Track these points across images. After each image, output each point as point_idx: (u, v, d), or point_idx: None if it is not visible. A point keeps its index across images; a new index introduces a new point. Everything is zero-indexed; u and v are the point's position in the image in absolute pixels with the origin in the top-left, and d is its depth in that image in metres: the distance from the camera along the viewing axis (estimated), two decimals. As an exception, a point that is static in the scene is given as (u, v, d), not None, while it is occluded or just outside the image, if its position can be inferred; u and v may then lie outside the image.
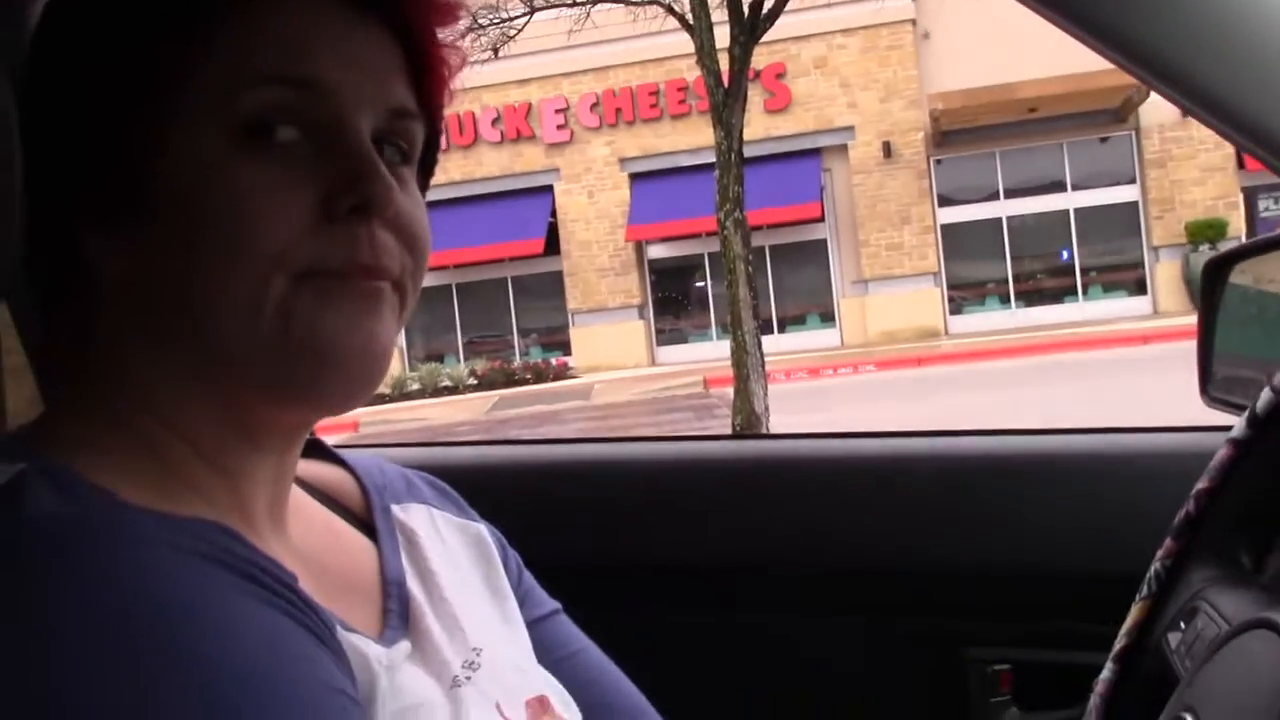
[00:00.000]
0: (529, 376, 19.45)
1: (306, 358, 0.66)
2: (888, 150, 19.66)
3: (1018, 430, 1.31)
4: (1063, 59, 17.48)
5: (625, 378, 18.07)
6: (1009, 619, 1.26)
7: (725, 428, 10.19)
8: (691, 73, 18.44)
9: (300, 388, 0.68)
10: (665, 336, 21.23)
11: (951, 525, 1.27)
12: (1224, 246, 15.13)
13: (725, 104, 8.75)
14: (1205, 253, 18.21)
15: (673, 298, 21.44)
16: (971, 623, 1.28)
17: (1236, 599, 0.69)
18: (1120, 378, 11.63)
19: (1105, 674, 0.78)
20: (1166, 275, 19.06)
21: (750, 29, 8.97)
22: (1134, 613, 0.78)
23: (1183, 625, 0.72)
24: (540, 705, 0.77)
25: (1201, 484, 0.75)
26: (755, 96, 9.43)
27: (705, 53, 9.02)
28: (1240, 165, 18.41)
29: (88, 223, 0.67)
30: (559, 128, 20.59)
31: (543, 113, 20.64)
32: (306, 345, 0.66)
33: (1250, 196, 18.98)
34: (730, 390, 9.56)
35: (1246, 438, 0.71)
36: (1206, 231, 18.49)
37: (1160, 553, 0.77)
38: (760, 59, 9.46)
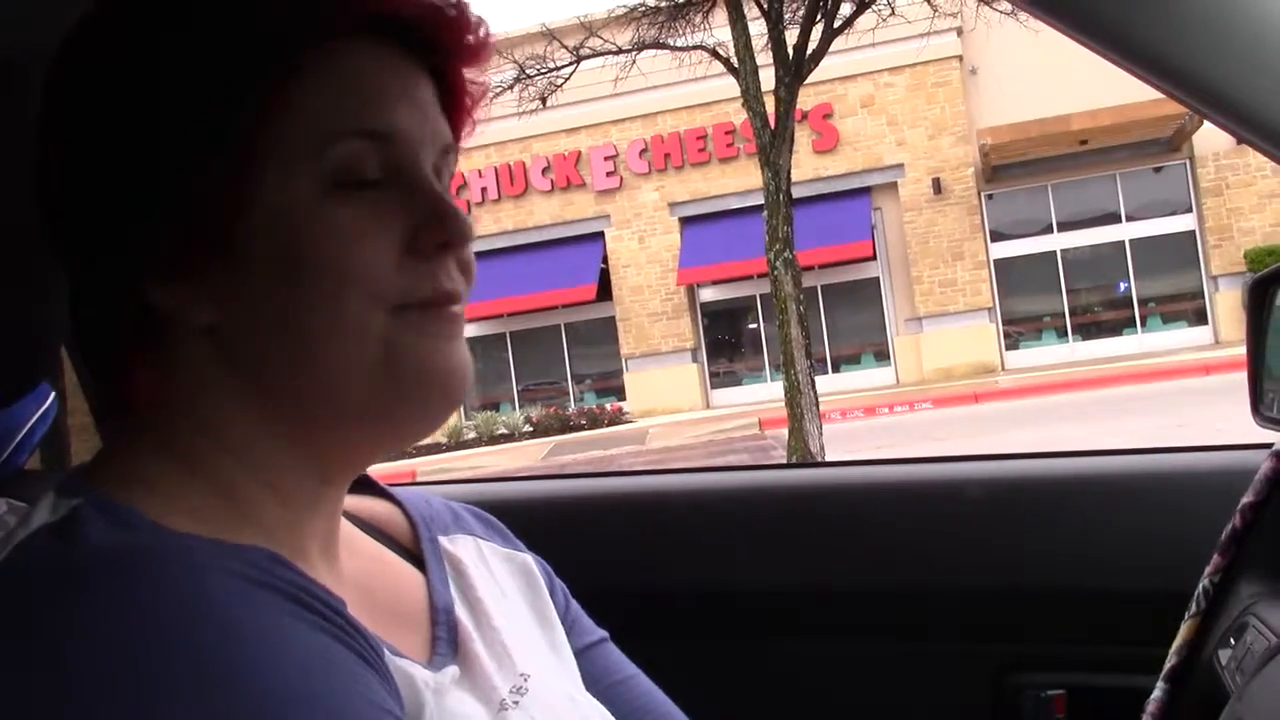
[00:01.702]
0: (584, 422, 19.49)
1: (411, 382, 0.71)
2: (938, 187, 19.60)
3: (1062, 453, 1.30)
4: (1112, 90, 17.39)
5: (680, 421, 18.06)
6: (1059, 641, 1.25)
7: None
8: (738, 116, 18.54)
9: (401, 413, 0.72)
10: (719, 379, 21.21)
11: (998, 548, 1.27)
12: (1285, 273, 14.73)
13: (772, 145, 8.78)
14: (1266, 280, 17.91)
15: (725, 340, 21.44)
16: (1020, 646, 1.26)
17: (1286, 612, 0.68)
18: (1183, 409, 11.44)
19: (1156, 694, 0.77)
20: (1227, 304, 18.76)
21: (795, 70, 9.02)
22: (1183, 631, 0.77)
23: (1233, 641, 0.71)
24: (589, 732, 0.77)
25: (1247, 498, 0.74)
26: (803, 137, 9.47)
27: (751, 95, 9.07)
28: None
29: (160, 272, 0.69)
30: (608, 174, 20.75)
31: (592, 160, 20.82)
32: (412, 371, 0.71)
33: (1313, 222, 18.68)
34: (785, 431, 9.52)
35: (1291, 450, 0.71)
36: (1267, 259, 18.19)
37: (1208, 569, 0.76)
38: (807, 100, 9.52)
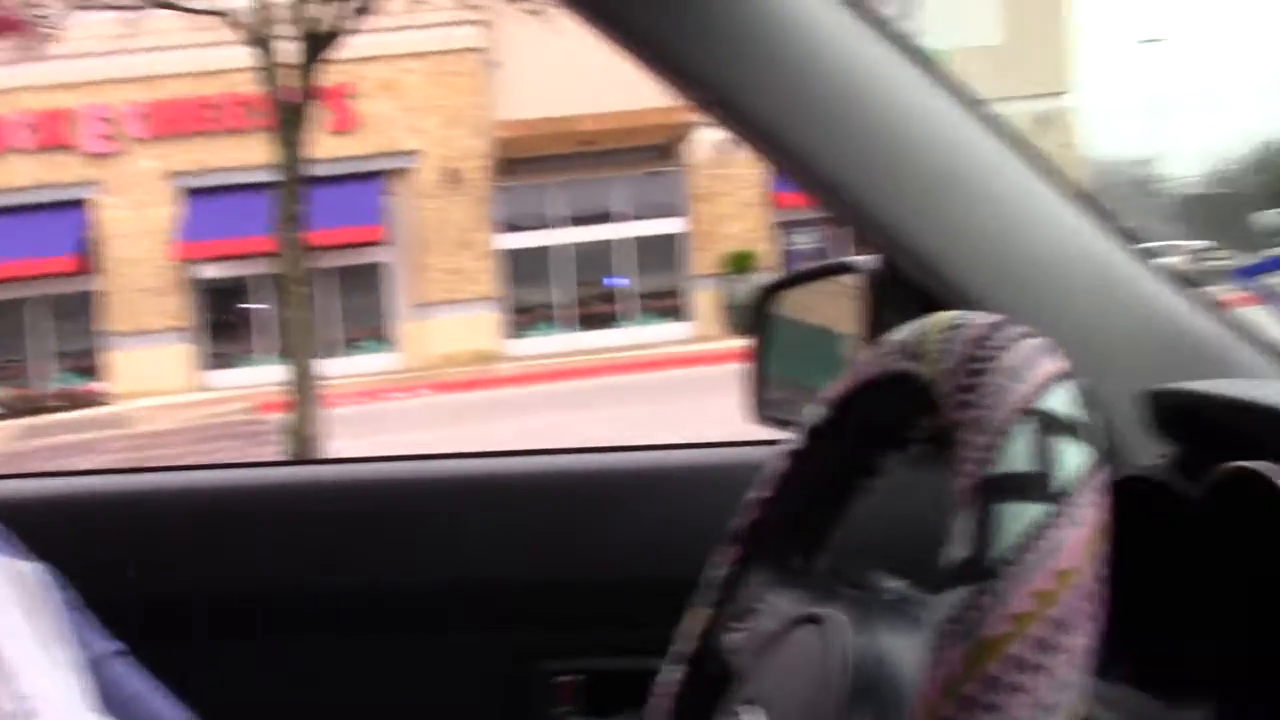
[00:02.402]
0: (61, 404, 17.88)
1: None
2: (451, 176, 19.86)
3: (574, 449, 1.36)
4: (619, 96, 18.45)
5: (171, 404, 17.03)
6: (573, 629, 1.30)
7: (277, 455, 9.84)
8: (251, 88, 17.79)
9: None
10: (217, 360, 20.25)
11: (514, 540, 1.29)
12: (756, 276, 16.38)
13: (289, 122, 8.49)
14: (741, 281, 19.78)
15: (225, 320, 20.50)
16: (535, 635, 1.30)
17: (790, 597, 0.74)
18: (667, 398, 12.34)
19: (670, 676, 0.82)
20: (707, 303, 20.49)
21: (317, 48, 8.76)
22: (696, 616, 0.82)
23: (742, 625, 0.77)
24: (98, 754, 0.71)
25: (759, 492, 0.80)
26: (320, 116, 9.22)
27: (269, 69, 8.71)
28: (772, 203, 20.16)
29: None
30: (103, 137, 19.15)
31: (84, 121, 19.13)
32: None
33: (780, 231, 20.80)
34: (285, 416, 9.24)
35: (800, 448, 0.77)
36: (741, 262, 20.09)
37: (721, 558, 0.82)
38: (326, 78, 9.27)
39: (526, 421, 11.49)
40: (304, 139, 8.57)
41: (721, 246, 20.40)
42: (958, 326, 0.57)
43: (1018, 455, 0.48)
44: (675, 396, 12.46)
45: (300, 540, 1.32)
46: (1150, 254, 1.06)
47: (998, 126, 1.06)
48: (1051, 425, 0.49)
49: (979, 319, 0.56)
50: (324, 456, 7.24)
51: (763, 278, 20.05)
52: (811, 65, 1.03)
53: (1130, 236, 1.07)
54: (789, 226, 20.83)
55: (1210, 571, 0.76)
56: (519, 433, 10.36)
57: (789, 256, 20.73)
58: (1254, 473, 0.70)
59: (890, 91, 1.05)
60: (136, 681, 0.86)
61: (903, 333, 0.63)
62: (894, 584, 0.79)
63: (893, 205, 1.04)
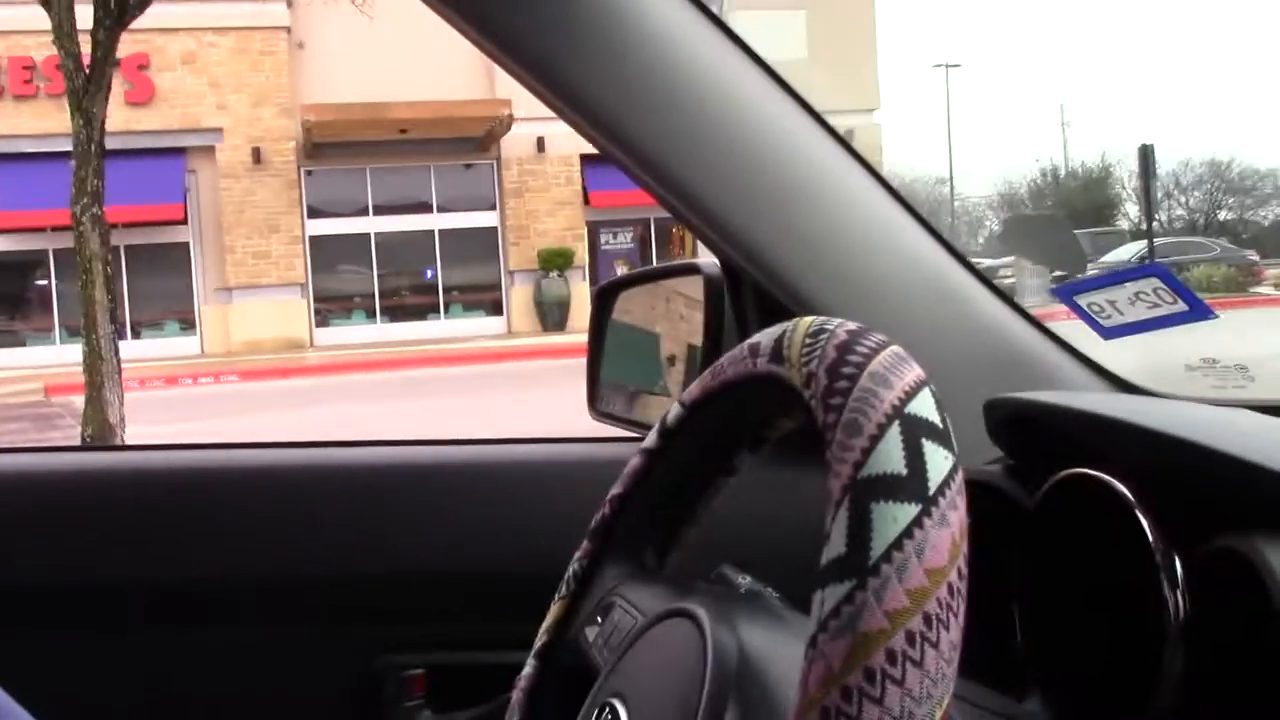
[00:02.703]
0: None
1: None
2: (257, 156, 19.25)
3: (428, 440, 1.34)
4: (433, 85, 18.24)
5: (-52, 383, 16.03)
6: (425, 623, 1.29)
7: (72, 439, 9.38)
8: (39, 51, 16.85)
9: None
10: (4, 338, 19.14)
11: (365, 533, 1.27)
12: (570, 274, 16.33)
13: (86, 91, 8.07)
14: (555, 278, 19.81)
15: (11, 296, 19.39)
16: (386, 629, 1.29)
17: (647, 593, 0.76)
18: (479, 392, 12.27)
19: (527, 669, 0.83)
20: (520, 298, 20.44)
21: (119, 13, 8.35)
22: (553, 611, 0.83)
23: (599, 620, 0.78)
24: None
25: (616, 490, 0.82)
26: (116, 87, 8.79)
27: (64, 33, 8.26)
28: (586, 201, 20.25)
29: None
30: None
31: None
32: None
33: (593, 230, 20.92)
34: (75, 399, 8.81)
35: (656, 447, 0.79)
36: (556, 260, 20.11)
37: (578, 554, 0.83)
38: (123, 47, 8.84)
39: (336, 410, 11.25)
40: (100, 109, 8.16)
41: (535, 243, 20.37)
42: (822, 332, 0.59)
43: (889, 457, 0.51)
44: (486, 391, 12.40)
45: (136, 529, 1.27)
46: (977, 269, 1.13)
47: (840, 139, 1.11)
48: (918, 428, 0.52)
49: (842, 325, 0.59)
50: (131, 443, 6.92)
51: (574, 276, 19.99)
52: (661, 66, 1.05)
53: (958, 252, 1.13)
54: (602, 227, 20.97)
55: (1043, 572, 0.81)
56: (329, 422, 10.13)
57: (601, 256, 20.87)
58: (1090, 479, 0.75)
59: (738, 99, 1.08)
60: None
61: (765, 336, 0.65)
62: (744, 579, 0.82)
63: (738, 210, 1.07)
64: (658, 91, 1.04)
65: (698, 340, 1.31)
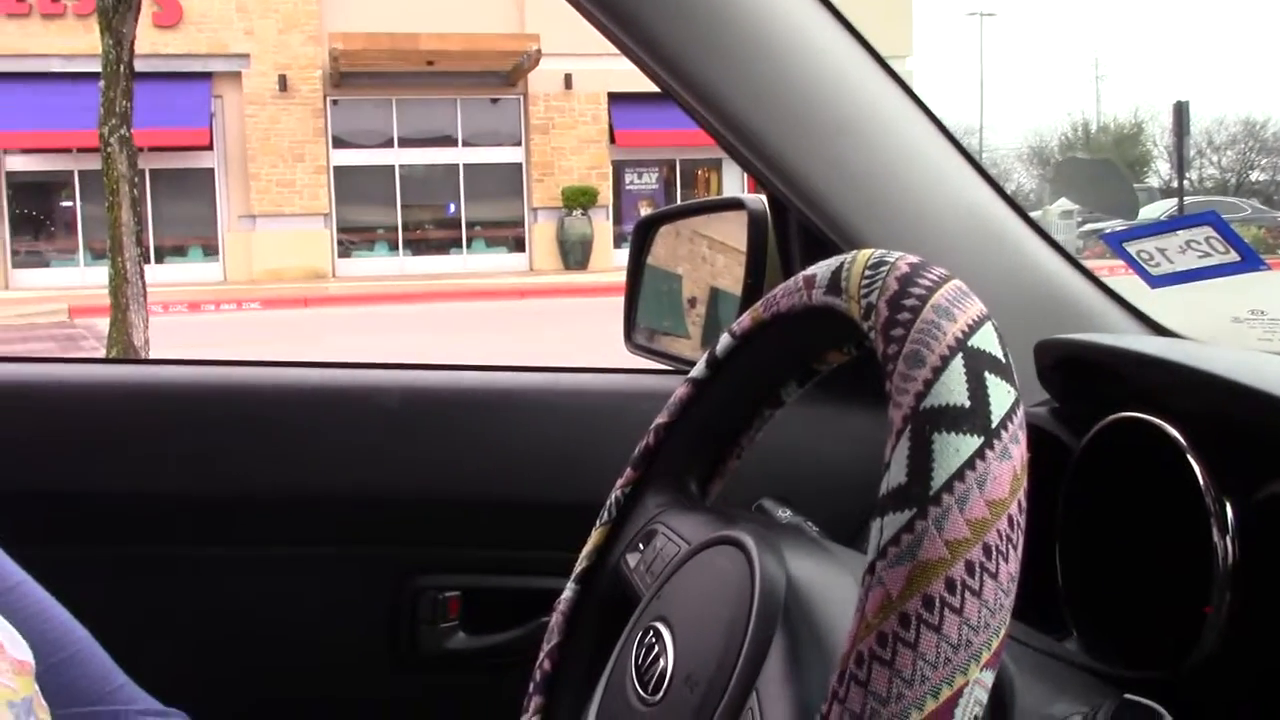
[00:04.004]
0: None
1: None
2: (284, 84, 19.17)
3: (482, 366, 1.35)
4: (462, 17, 18.11)
5: (-26, 301, 16.14)
6: (461, 547, 1.30)
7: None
8: (69, -31, 16.80)
9: None
10: (23, 258, 19.21)
11: (411, 455, 1.28)
12: (594, 213, 16.22)
13: (116, 10, 8.03)
14: (578, 217, 19.74)
15: (34, 216, 19.44)
16: (422, 551, 1.30)
17: (690, 522, 0.76)
18: (500, 328, 12.28)
19: (567, 593, 0.83)
20: (543, 236, 20.39)
21: (147, -68, 8.30)
22: (594, 536, 0.83)
23: (641, 546, 0.79)
24: (-12, 645, 0.68)
25: (661, 419, 0.82)
26: (144, 8, 8.72)
27: (94, -50, 8.23)
28: (612, 140, 20.13)
29: None
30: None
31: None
32: None
33: (618, 170, 20.81)
34: (99, 321, 8.84)
35: (704, 377, 0.79)
36: (580, 198, 20.03)
37: (620, 481, 0.83)
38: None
39: (356, 340, 11.29)
40: (129, 29, 8.12)
41: (560, 180, 20.28)
42: (883, 265, 0.58)
43: (952, 389, 0.50)
44: (510, 326, 12.41)
45: (177, 444, 1.28)
46: (1026, 214, 1.11)
47: (896, 77, 1.09)
48: (982, 361, 0.51)
49: (903, 258, 0.58)
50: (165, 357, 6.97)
51: (597, 215, 19.85)
52: (722, 4, 1.04)
53: (1009, 196, 1.12)
54: (627, 166, 20.87)
55: (1088, 515, 0.81)
56: (349, 352, 10.17)
57: (625, 195, 20.78)
58: (1139, 422, 0.74)
59: (792, 32, 1.06)
60: (14, 573, 0.84)
61: (821, 268, 0.65)
62: (785, 512, 0.82)
63: (788, 144, 1.06)
64: (713, 25, 1.03)
65: (720, 282, 1.30)
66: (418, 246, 20.80)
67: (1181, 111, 15.77)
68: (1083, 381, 0.88)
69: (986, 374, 0.51)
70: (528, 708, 0.82)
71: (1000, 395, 0.51)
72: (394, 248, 20.67)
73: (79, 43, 16.60)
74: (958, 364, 0.51)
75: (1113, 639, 0.78)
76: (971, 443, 0.49)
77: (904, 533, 0.48)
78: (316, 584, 1.30)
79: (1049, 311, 1.05)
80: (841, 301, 0.61)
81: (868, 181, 1.06)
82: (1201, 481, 0.70)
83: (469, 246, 20.88)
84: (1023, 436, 0.50)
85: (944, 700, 0.46)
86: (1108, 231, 1.03)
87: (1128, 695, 0.56)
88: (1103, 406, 0.79)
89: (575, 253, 19.97)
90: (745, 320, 0.75)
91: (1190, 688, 0.68)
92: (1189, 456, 0.71)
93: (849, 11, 1.09)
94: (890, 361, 0.54)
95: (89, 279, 15.90)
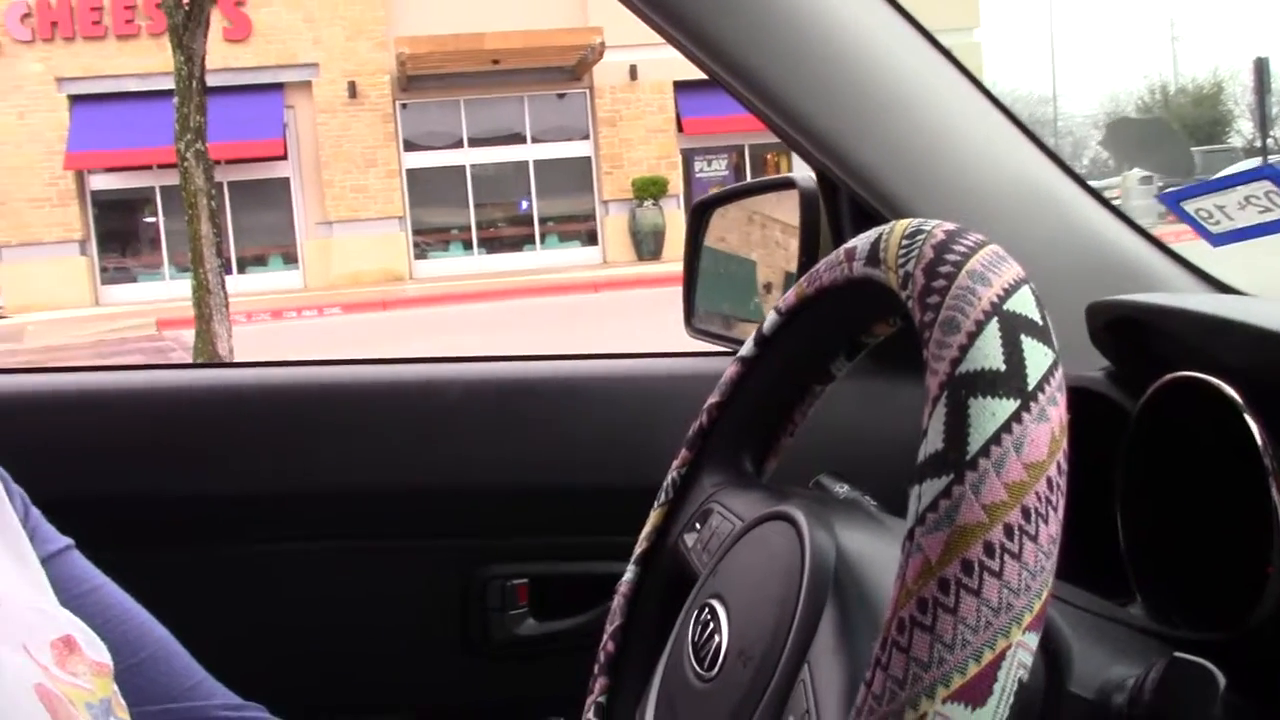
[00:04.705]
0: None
1: None
2: (353, 91, 19.42)
3: (539, 356, 1.36)
4: (526, 14, 18.20)
5: (65, 319, 16.56)
6: (526, 534, 1.32)
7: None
8: (141, -10, 17.18)
9: None
10: (111, 275, 19.71)
11: (475, 446, 1.30)
12: (664, 202, 16.16)
13: (186, 27, 8.21)
14: (649, 207, 19.75)
15: (120, 233, 19.92)
16: (488, 540, 1.32)
17: (744, 499, 0.77)
18: (577, 322, 12.34)
19: (627, 575, 0.84)
20: (615, 228, 20.43)
21: (214, -51, 8.48)
22: (652, 518, 0.84)
23: (698, 526, 0.79)
24: (66, 646, 0.71)
25: (713, 399, 0.82)
26: (214, 24, 8.92)
27: (161, -31, 8.42)
28: (679, 129, 20.11)
29: None
30: (-17, 38, 18.38)
31: (-38, 19, 18.32)
32: None
33: (688, 158, 20.78)
34: (186, 333, 9.06)
35: (753, 355, 0.79)
36: (650, 188, 20.03)
37: (676, 462, 0.84)
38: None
39: (436, 341, 11.41)
40: (200, 45, 8.30)
41: (629, 172, 20.30)
42: (919, 233, 0.58)
43: (987, 353, 0.50)
44: (584, 320, 12.46)
45: (250, 444, 1.31)
46: (1080, 177, 1.10)
47: (940, 48, 1.09)
48: (1017, 325, 0.51)
49: (939, 226, 0.58)
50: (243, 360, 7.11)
51: (668, 204, 19.79)
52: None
53: (1061, 160, 1.10)
54: (696, 154, 20.83)
55: (1147, 478, 0.80)
56: (436, 353, 10.27)
57: (695, 183, 20.74)
58: (1196, 382, 0.73)
59: (838, 10, 1.06)
60: (94, 575, 0.86)
61: (860, 240, 0.65)
62: (842, 488, 0.82)
63: (835, 119, 1.06)
64: (756, 4, 1.03)
65: (794, 267, 1.30)
66: (491, 244, 20.96)
67: (1262, 68, 15.32)
68: (1136, 343, 0.87)
69: (1023, 336, 0.51)
70: (593, 689, 0.83)
71: (1037, 358, 0.50)
72: (468, 247, 20.85)
73: (153, 61, 16.97)
74: (993, 328, 0.51)
75: (1176, 602, 0.77)
76: (1007, 406, 0.49)
77: (941, 498, 0.48)
78: (388, 576, 1.32)
79: (1105, 273, 1.04)
80: (880, 272, 0.61)
81: (916, 155, 1.06)
82: (1259, 440, 0.69)
83: (542, 242, 20.99)
84: (1061, 398, 0.50)
85: (986, 663, 0.46)
86: (1165, 191, 1.01)
87: (1178, 654, 0.55)
88: (1158, 367, 0.78)
89: (648, 243, 19.98)
90: (790, 296, 0.75)
91: (1252, 649, 0.67)
92: (1245, 415, 0.70)
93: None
94: (927, 329, 0.54)
95: (174, 292, 16.27)
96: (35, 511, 0.85)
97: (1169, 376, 0.77)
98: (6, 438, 0.89)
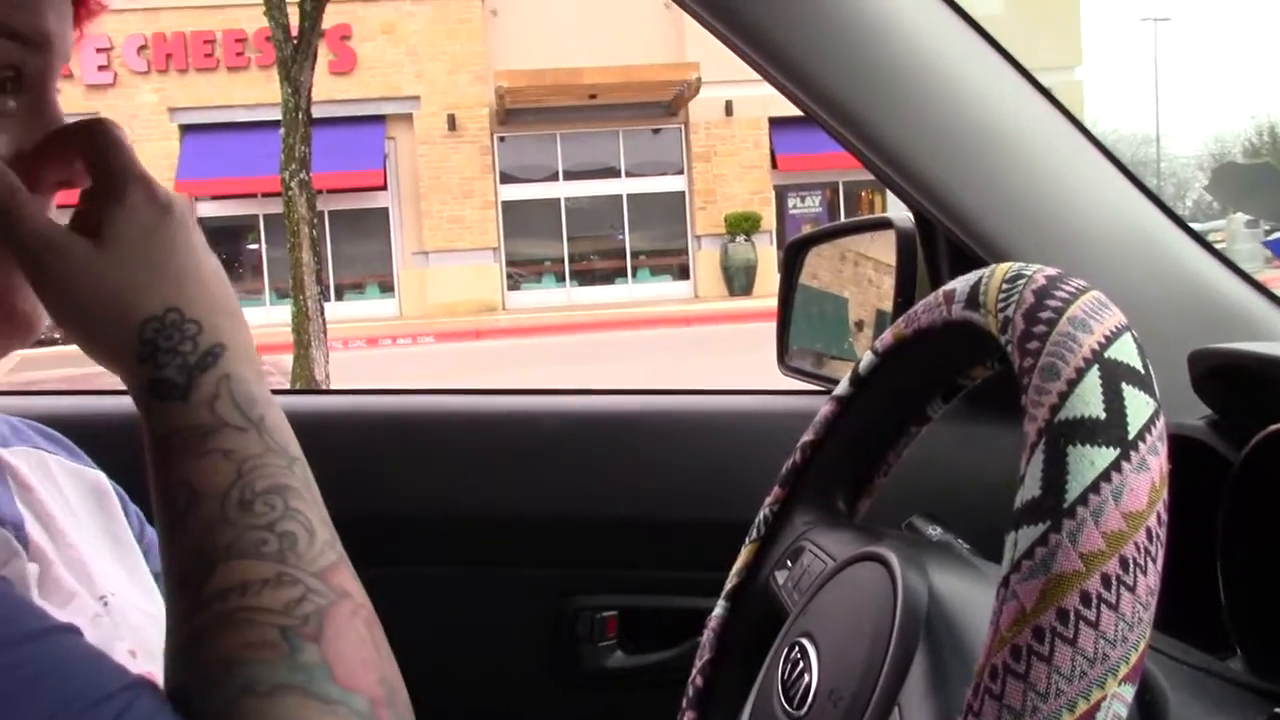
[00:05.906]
0: (56, 336, 17.82)
1: None
2: (452, 123, 19.76)
3: (634, 390, 1.38)
4: (621, 49, 18.37)
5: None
6: (617, 567, 1.33)
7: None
8: (251, 24, 17.64)
9: None
10: (215, 300, 20.18)
11: (568, 477, 1.32)
12: (757, 238, 16.08)
13: (294, 60, 8.45)
14: (741, 243, 19.75)
15: (225, 260, 20.14)
16: (580, 571, 1.34)
17: (836, 538, 0.77)
18: (668, 356, 12.35)
19: (717, 610, 0.85)
20: (707, 263, 20.46)
21: (320, -15, 8.70)
22: (744, 555, 0.85)
23: (789, 564, 0.80)
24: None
25: (807, 437, 0.83)
26: (320, 57, 9.17)
27: (274, 4, 8.66)
28: (773, 165, 20.11)
29: None
30: (100, 69, 19.03)
31: (82, 51, 19.00)
32: None
33: (781, 194, 20.76)
34: (284, 358, 9.26)
35: (848, 395, 0.79)
36: (743, 224, 20.04)
37: (769, 499, 0.84)
38: (327, 19, 9.21)
39: (533, 373, 11.51)
40: (307, 78, 8.52)
41: (722, 207, 20.34)
42: (1020, 277, 0.58)
43: (1088, 401, 0.50)
44: (675, 354, 12.46)
45: (349, 469, 1.34)
46: (1183, 221, 1.08)
47: (1040, 88, 1.08)
48: (1119, 372, 0.51)
49: (1040, 271, 0.58)
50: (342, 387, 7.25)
51: (761, 240, 19.72)
52: (859, 18, 1.04)
53: (1163, 204, 1.09)
54: (789, 190, 20.81)
55: (1250, 530, 0.79)
56: (526, 383, 10.35)
57: (789, 220, 20.70)
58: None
59: (935, 49, 1.06)
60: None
61: (960, 283, 0.65)
62: (935, 530, 0.82)
63: (933, 160, 1.06)
64: (855, 43, 1.04)
65: (887, 305, 1.30)
66: (584, 277, 21.12)
67: (1377, 110, 14.85)
68: (1239, 391, 0.85)
69: (1124, 385, 0.51)
70: (681, 724, 0.84)
71: (1138, 406, 0.50)
72: (561, 279, 21.03)
73: (261, 93, 17.44)
74: (1093, 375, 0.51)
75: (1277, 657, 0.75)
76: (1107, 455, 0.48)
77: (1038, 545, 0.48)
78: (479, 603, 1.34)
79: (1207, 321, 1.02)
80: (979, 316, 0.61)
81: (1013, 195, 1.05)
82: None
83: (634, 275, 21.09)
84: (1162, 448, 0.50)
85: (1080, 714, 0.46)
86: (1271, 237, 0.99)
87: (1278, 709, 0.54)
88: (1262, 417, 0.77)
89: (739, 278, 19.97)
90: (887, 337, 0.76)
91: None
92: None
93: (1016, 22, 1.08)
94: (1026, 375, 0.53)
95: (274, 317, 16.61)
96: (150, 530, 0.87)
97: (1273, 428, 0.75)
98: (125, 456, 0.92)
